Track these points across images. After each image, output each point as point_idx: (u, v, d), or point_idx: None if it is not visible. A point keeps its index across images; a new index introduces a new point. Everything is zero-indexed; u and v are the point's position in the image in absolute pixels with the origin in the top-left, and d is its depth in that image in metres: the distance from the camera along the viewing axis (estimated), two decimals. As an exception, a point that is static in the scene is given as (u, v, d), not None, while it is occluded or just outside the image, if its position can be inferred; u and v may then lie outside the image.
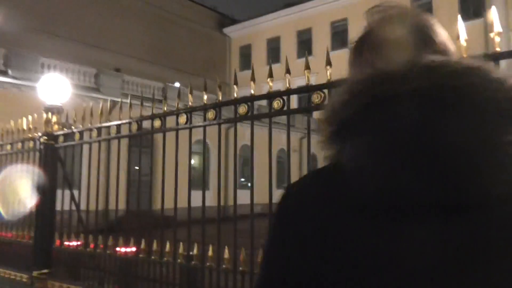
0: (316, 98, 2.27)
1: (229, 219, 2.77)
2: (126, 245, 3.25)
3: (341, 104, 0.66)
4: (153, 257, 2.98)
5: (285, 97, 2.45)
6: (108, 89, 16.70)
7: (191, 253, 2.81)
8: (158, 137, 3.18)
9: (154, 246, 2.96)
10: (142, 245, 3.09)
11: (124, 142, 3.43)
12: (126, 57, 25.17)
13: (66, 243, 3.72)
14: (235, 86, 2.70)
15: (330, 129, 0.67)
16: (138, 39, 26.66)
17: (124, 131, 3.37)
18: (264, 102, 3.34)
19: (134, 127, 3.27)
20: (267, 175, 2.51)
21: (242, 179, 21.49)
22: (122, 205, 3.12)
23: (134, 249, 3.17)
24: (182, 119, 2.94)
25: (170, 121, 3.06)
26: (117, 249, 3.26)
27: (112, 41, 25.28)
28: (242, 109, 2.65)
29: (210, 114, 2.79)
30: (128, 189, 3.19)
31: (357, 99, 0.64)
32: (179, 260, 2.83)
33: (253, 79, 2.64)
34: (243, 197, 3.33)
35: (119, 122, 3.34)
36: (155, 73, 24.41)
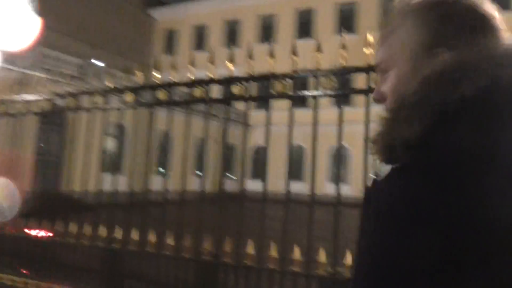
0: (236, 89, 2.33)
1: (141, 205, 2.75)
2: (38, 227, 3.08)
3: (449, 85, 0.60)
4: (69, 240, 2.85)
5: (206, 86, 2.48)
6: (24, 61, 15.32)
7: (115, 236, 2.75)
8: (76, 117, 3.04)
9: (72, 228, 2.84)
10: (57, 228, 2.95)
11: (35, 120, 3.24)
12: (46, 29, 23.20)
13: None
14: (154, 71, 2.67)
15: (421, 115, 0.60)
16: (60, 12, 24.75)
17: (36, 108, 3.18)
18: (187, 89, 3.32)
19: (45, 104, 3.09)
20: (184, 163, 2.53)
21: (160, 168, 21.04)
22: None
23: (46, 233, 3.02)
24: (99, 99, 2.84)
25: (89, 101, 2.94)
26: (28, 231, 3.08)
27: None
28: (162, 94, 2.64)
29: (128, 97, 2.74)
30: (37, 169, 3.03)
31: (471, 82, 0.59)
32: (99, 243, 2.75)
33: (174, 65, 2.64)
34: (159, 183, 3.31)
35: (28, 98, 3.14)
36: (77, 49, 22.87)
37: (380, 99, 0.76)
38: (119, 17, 29.12)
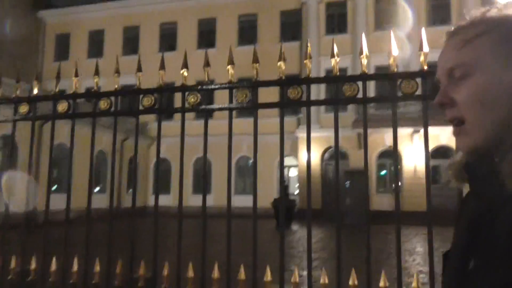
0: (147, 101, 2.26)
1: (38, 226, 2.50)
2: None
3: None
4: None
5: (112, 98, 2.36)
6: None
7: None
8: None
9: None
10: None
11: None
12: None
13: None
14: (49, 79, 2.47)
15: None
16: None
17: None
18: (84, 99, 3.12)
19: None
20: (82, 178, 2.37)
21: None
22: None
23: None
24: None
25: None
26: None
27: None
28: (62, 106, 2.44)
29: (22, 108, 2.49)
30: None
31: None
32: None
33: (76, 74, 2.46)
34: (58, 201, 3.05)
35: None
36: None
37: (446, 104, 0.74)
38: (6, 20, 26.42)
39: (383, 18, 23.20)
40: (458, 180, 0.75)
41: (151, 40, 27.01)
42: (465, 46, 0.70)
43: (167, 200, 19.98)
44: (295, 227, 16.59)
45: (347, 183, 18.40)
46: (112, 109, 2.34)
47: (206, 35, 26.37)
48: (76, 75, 2.36)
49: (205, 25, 26.52)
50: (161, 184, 23.81)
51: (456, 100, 0.71)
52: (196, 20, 26.67)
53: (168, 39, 26.89)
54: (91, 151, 2.35)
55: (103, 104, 2.32)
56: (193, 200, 21.48)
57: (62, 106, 2.40)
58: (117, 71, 2.35)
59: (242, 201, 16.99)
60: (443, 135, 19.55)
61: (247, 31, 25.64)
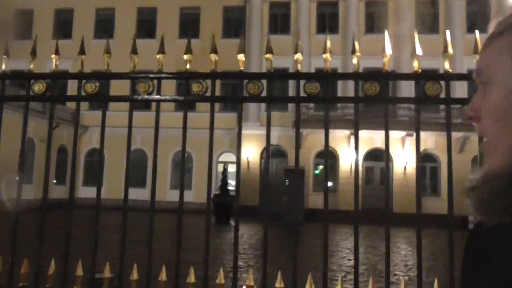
0: (89, 88, 2.09)
1: None
2: None
3: None
4: None
5: (48, 81, 2.12)
6: None
7: None
8: None
9: None
10: None
11: None
12: None
13: None
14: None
15: None
16: None
17: None
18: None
19: None
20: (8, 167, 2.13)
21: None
22: None
23: None
24: None
25: None
26: None
27: None
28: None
29: None
30: None
31: None
32: None
33: (33, 54, 2.18)
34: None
35: None
36: None
37: (473, 116, 0.62)
38: None
39: (324, 22, 23.81)
40: (479, 211, 0.59)
41: (86, 25, 25.63)
42: (487, 47, 0.60)
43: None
44: (234, 223, 16.60)
45: (287, 181, 18.69)
46: (48, 93, 2.12)
47: (146, 25, 25.53)
48: (33, 55, 2.09)
49: (145, 14, 25.64)
50: (92, 176, 22.76)
51: (479, 110, 0.61)
52: (135, 8, 25.72)
53: (104, 25, 25.68)
54: (22, 138, 2.11)
55: (37, 87, 2.08)
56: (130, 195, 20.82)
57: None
58: (57, 52, 2.13)
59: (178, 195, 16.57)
60: (377, 138, 20.47)
61: (189, 24, 25.15)
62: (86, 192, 22.30)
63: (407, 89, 18.24)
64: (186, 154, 21.66)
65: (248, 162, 21.38)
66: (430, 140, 20.45)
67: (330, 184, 21.87)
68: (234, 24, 24.81)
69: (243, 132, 21.73)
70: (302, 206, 18.26)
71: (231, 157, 22.72)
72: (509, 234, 0.53)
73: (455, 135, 19.81)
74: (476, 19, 22.79)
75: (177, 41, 23.72)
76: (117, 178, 18.42)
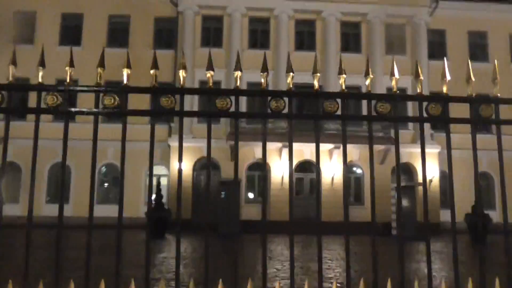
0: (51, 100, 2.03)
1: None
2: None
3: None
4: None
5: None
6: None
7: None
8: None
9: None
10: None
11: None
12: None
13: None
14: None
15: None
16: None
17: None
18: None
19: None
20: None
21: None
22: None
23: None
24: None
25: None
26: None
27: None
28: None
29: None
30: None
31: None
32: None
33: None
34: None
35: None
36: None
37: None
38: None
39: (256, 38, 24.38)
40: None
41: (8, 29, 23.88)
42: None
43: (16, 209, 17.86)
44: (169, 236, 16.27)
45: (223, 193, 18.76)
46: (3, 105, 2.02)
47: (71, 31, 24.18)
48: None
49: (70, 20, 24.27)
50: (7, 191, 21.07)
51: None
52: (59, 13, 24.21)
53: (27, 30, 23.91)
54: None
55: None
56: (48, 210, 19.58)
57: None
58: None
59: (105, 211, 16.00)
60: (306, 150, 21.23)
61: (118, 33, 24.33)
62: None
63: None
64: (116, 167, 20.64)
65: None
66: (355, 152, 21.60)
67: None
68: (165, 35, 24.47)
69: (175, 144, 21.45)
70: (238, 217, 18.40)
71: (162, 169, 22.27)
72: None
73: (377, 147, 21.13)
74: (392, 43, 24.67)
75: (105, 49, 22.97)
76: (85, 194, 17.25)
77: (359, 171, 22.90)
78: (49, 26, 23.80)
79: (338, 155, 21.74)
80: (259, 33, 24.50)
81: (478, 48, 25.65)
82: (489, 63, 24.33)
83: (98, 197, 22.09)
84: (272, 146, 20.76)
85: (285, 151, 21.00)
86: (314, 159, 21.46)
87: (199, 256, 10.79)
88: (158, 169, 22.18)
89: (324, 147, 21.16)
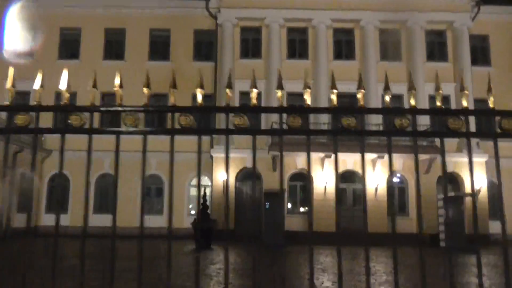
0: (20, 120, 2.21)
1: None
2: None
3: None
4: None
5: None
6: None
7: None
8: None
9: None
10: None
11: None
12: None
13: None
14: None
15: None
16: None
17: None
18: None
19: None
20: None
21: None
22: None
23: None
24: None
25: None
26: None
27: None
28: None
29: None
30: None
31: None
32: None
33: None
34: None
35: None
36: None
37: None
38: None
39: (295, 48, 24.45)
40: None
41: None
42: None
43: (63, 220, 18.65)
44: (214, 247, 16.37)
45: (267, 204, 18.84)
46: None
47: (115, 46, 24.99)
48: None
49: (113, 35, 24.97)
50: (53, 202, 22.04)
51: None
52: (103, 29, 24.96)
53: (70, 46, 24.94)
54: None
55: None
56: (97, 220, 20.31)
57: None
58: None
59: (150, 221, 16.32)
60: (349, 160, 20.91)
61: (159, 46, 25.01)
62: (49, 220, 21.63)
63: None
64: (150, 178, 21.13)
65: (223, 185, 21.36)
66: (398, 162, 21.05)
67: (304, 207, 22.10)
68: (205, 48, 24.96)
69: (218, 155, 21.80)
70: (282, 229, 18.31)
71: (205, 180, 22.64)
72: None
73: (422, 157, 20.50)
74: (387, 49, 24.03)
75: (147, 63, 23.80)
76: (83, 204, 17.92)
77: (403, 181, 22.28)
78: (93, 41, 24.71)
79: (381, 164, 21.27)
80: (297, 43, 24.56)
81: None
82: None
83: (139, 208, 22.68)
84: (314, 156, 20.61)
85: (328, 161, 20.78)
86: (357, 169, 21.12)
87: (249, 266, 10.79)
88: (201, 180, 22.51)
89: (368, 156, 20.75)
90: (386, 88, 2.25)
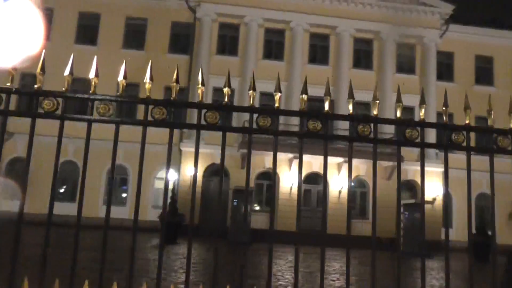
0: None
1: None
2: None
3: None
4: None
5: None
6: None
7: None
8: None
9: None
10: None
11: None
12: None
13: None
14: None
15: None
16: None
17: None
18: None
19: None
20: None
21: None
22: None
23: None
24: None
25: None
26: None
27: None
28: None
29: None
30: None
31: None
32: None
33: None
34: None
35: None
36: None
37: None
38: None
39: (271, 48, 24.64)
40: None
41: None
42: None
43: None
44: (180, 241, 16.23)
45: (235, 201, 18.93)
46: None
47: (88, 31, 24.33)
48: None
49: (87, 19, 24.37)
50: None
51: None
52: (76, 12, 24.35)
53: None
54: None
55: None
56: (55, 208, 19.78)
57: None
58: None
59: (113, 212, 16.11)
60: (315, 163, 21.29)
61: (135, 35, 24.61)
62: (5, 206, 20.94)
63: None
64: (119, 169, 20.77)
65: (191, 180, 21.29)
66: (362, 167, 21.62)
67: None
68: (181, 40, 24.74)
69: (187, 149, 21.70)
70: (249, 226, 18.33)
71: (173, 174, 22.48)
72: None
73: (384, 164, 21.12)
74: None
75: (121, 50, 23.41)
76: (43, 191, 17.46)
77: (364, 185, 22.89)
78: (65, 23, 23.96)
79: (346, 169, 21.75)
80: (274, 44, 24.76)
81: (484, 72, 26.02)
82: (494, 87, 25.01)
83: (104, 198, 22.38)
84: (282, 156, 20.86)
85: (295, 162, 21.08)
86: (322, 171, 21.49)
87: (210, 263, 10.87)
88: (166, 173, 22.30)
89: (334, 160, 21.19)
90: (350, 96, 2.40)
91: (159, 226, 16.17)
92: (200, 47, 23.60)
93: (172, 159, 20.06)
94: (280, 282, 8.18)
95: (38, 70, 2.30)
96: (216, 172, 21.99)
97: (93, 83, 2.34)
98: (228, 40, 24.55)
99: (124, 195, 22.79)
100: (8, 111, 2.26)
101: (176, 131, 19.03)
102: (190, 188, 20.93)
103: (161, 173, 22.64)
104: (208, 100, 21.25)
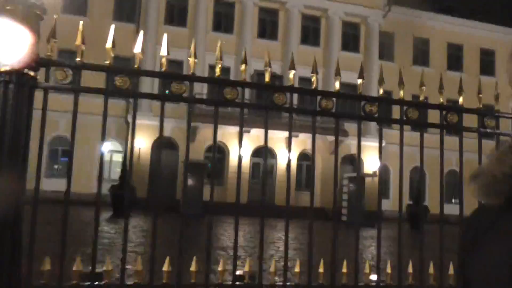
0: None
1: None
2: None
3: None
4: None
5: None
6: None
7: None
8: None
9: None
10: None
11: None
12: None
13: None
14: None
15: None
16: None
17: None
18: None
19: None
20: None
21: None
22: None
23: None
24: None
25: None
26: None
27: None
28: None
29: None
30: None
31: None
32: None
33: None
34: None
35: None
36: None
37: None
38: None
39: (222, 20, 24.33)
40: (481, 194, 0.70)
41: None
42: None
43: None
44: (132, 214, 15.88)
45: (188, 174, 18.83)
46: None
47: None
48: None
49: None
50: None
51: None
52: None
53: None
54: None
55: None
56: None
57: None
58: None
59: (51, 184, 15.59)
60: (263, 137, 21.53)
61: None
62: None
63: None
64: (67, 140, 19.91)
65: (139, 153, 20.85)
66: (309, 141, 22.17)
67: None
68: (127, 7, 23.76)
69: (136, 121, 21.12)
70: (201, 199, 18.28)
71: (116, 146, 21.92)
72: (504, 210, 0.66)
73: (329, 138, 21.85)
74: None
75: (61, 16, 22.08)
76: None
77: (310, 159, 23.68)
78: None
79: (294, 143, 22.29)
80: (223, 16, 24.53)
81: (421, 53, 27.93)
82: (430, 68, 26.40)
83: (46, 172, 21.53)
84: (232, 129, 20.92)
85: (246, 136, 21.23)
86: (270, 145, 21.92)
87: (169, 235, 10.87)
88: (112, 145, 21.76)
89: (281, 134, 21.59)
90: (292, 67, 2.56)
91: (109, 199, 15.75)
92: (148, 16, 22.81)
93: (118, 132, 19.54)
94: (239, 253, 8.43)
95: (109, 45, 2.24)
96: (165, 145, 21.71)
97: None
98: (176, 11, 23.96)
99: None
100: (79, 88, 2.23)
101: (123, 104, 18.34)
102: (138, 161, 20.63)
103: (110, 145, 21.89)
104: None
